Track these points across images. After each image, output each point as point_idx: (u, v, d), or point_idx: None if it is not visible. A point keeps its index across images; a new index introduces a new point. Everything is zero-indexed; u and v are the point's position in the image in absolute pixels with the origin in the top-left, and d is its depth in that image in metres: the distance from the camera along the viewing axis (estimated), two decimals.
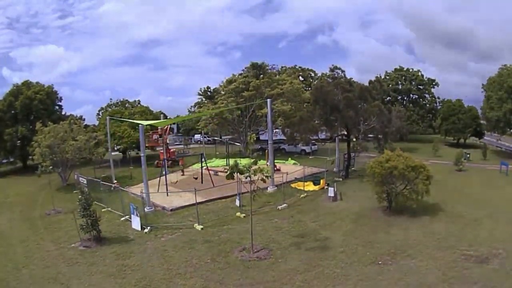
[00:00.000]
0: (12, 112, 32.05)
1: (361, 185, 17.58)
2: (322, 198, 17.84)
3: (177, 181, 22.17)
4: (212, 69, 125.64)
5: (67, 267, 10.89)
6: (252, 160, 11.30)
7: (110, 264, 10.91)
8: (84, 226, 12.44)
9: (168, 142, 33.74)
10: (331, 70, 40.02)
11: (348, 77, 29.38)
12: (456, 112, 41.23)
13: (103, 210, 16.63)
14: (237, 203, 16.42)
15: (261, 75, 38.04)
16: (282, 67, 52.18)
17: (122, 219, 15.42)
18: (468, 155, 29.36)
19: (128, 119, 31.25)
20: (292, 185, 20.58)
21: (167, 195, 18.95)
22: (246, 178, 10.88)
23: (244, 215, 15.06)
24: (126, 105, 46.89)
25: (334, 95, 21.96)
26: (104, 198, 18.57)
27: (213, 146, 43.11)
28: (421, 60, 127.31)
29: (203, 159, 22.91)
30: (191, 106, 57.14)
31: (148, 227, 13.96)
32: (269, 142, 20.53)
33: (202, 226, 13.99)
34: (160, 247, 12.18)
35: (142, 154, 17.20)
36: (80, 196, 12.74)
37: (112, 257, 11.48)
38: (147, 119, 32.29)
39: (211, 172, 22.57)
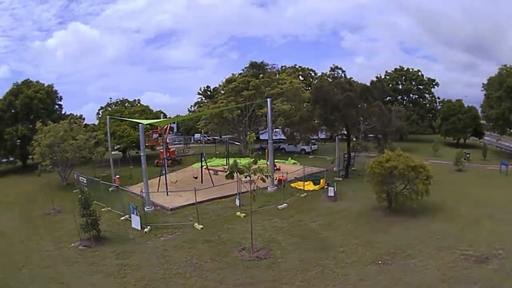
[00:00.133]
0: (12, 111, 32.00)
1: (361, 185, 17.57)
2: (322, 198, 17.84)
3: (177, 181, 22.16)
4: (212, 69, 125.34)
5: (67, 266, 10.89)
6: (252, 160, 11.28)
7: (110, 264, 10.91)
8: (84, 226, 12.44)
9: (168, 141, 33.73)
10: (332, 69, 40.11)
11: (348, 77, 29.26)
12: (456, 112, 41.21)
13: (103, 209, 16.62)
14: (237, 202, 16.41)
15: (261, 75, 38.05)
16: (282, 66, 52.25)
17: (122, 218, 15.41)
18: (468, 155, 29.34)
19: (128, 118, 31.23)
20: (292, 185, 20.60)
21: (167, 194, 18.95)
22: (246, 177, 10.88)
23: (244, 214, 15.06)
24: (126, 104, 46.71)
25: (334, 94, 21.95)
26: (104, 197, 18.56)
27: (213, 145, 43.12)
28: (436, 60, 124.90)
29: (203, 159, 22.91)
30: (191, 106, 57.28)
31: (148, 227, 13.96)
32: (269, 141, 20.54)
33: (202, 226, 13.99)
34: (160, 247, 12.19)
35: (142, 154, 17.19)
36: (80, 196, 12.74)
37: (112, 256, 11.48)
38: (147, 119, 32.25)
39: (211, 172, 22.58)
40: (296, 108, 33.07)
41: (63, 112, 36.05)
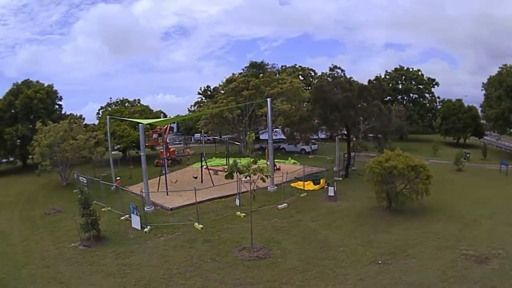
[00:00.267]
0: (12, 111, 32.00)
1: (361, 184, 17.57)
2: (322, 198, 17.83)
3: (177, 181, 22.16)
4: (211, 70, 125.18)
5: (67, 266, 10.89)
6: (252, 160, 11.29)
7: (110, 264, 10.91)
8: (84, 226, 12.44)
9: (168, 141, 33.72)
10: (331, 69, 40.11)
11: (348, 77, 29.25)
12: (456, 111, 41.28)
13: (103, 209, 16.61)
14: (237, 202, 16.41)
15: (261, 74, 38.04)
16: (282, 66, 52.25)
17: (122, 218, 15.40)
18: (468, 155, 29.34)
19: (128, 118, 31.23)
20: (292, 185, 20.59)
21: (167, 194, 18.95)
22: (245, 177, 10.88)
23: (244, 214, 15.06)
24: (126, 104, 46.76)
25: (334, 94, 21.94)
26: (104, 197, 18.56)
27: (213, 145, 43.11)
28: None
29: (203, 159, 22.91)
30: (191, 105, 57.31)
31: (148, 227, 13.96)
32: (269, 141, 20.52)
33: (202, 226, 13.99)
34: (160, 247, 12.19)
35: (142, 153, 17.18)
36: (79, 196, 12.74)
37: (112, 256, 11.48)
38: (147, 119, 32.24)
39: (211, 172, 22.58)
40: (296, 108, 33.06)
41: (63, 112, 36.08)
